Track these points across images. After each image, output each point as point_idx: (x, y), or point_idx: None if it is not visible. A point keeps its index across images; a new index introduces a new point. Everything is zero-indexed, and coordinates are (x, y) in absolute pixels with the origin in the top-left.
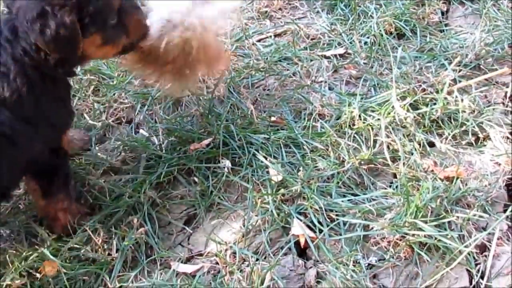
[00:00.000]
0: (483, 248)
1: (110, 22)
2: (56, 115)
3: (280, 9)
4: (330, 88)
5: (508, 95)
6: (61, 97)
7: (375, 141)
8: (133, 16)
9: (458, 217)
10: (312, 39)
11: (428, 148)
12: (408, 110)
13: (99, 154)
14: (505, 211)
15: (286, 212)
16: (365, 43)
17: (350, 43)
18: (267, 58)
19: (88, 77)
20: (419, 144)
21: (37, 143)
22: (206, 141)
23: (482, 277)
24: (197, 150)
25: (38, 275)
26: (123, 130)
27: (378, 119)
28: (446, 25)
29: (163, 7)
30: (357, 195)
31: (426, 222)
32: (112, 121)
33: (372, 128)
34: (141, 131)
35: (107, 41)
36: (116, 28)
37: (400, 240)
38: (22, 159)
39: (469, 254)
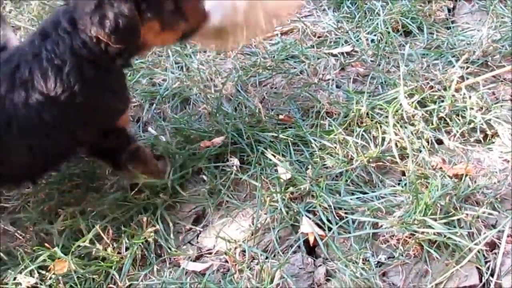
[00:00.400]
0: (492, 246)
1: (167, 8)
2: (108, 106)
3: None
4: (337, 86)
5: None
6: (114, 89)
7: (383, 139)
8: (190, 1)
9: (467, 214)
10: (319, 37)
11: (436, 146)
12: (416, 108)
13: None
14: None
15: (295, 210)
16: (372, 40)
17: (357, 40)
18: (274, 57)
19: None
20: (427, 142)
21: (86, 132)
22: (218, 139)
23: (492, 275)
24: (206, 149)
25: (48, 273)
26: (132, 128)
27: (386, 116)
28: (453, 22)
29: None
30: (365, 193)
31: (435, 220)
32: None
33: (380, 126)
34: (149, 129)
35: (166, 27)
36: (174, 14)
37: (410, 237)
38: (64, 148)
39: (479, 252)
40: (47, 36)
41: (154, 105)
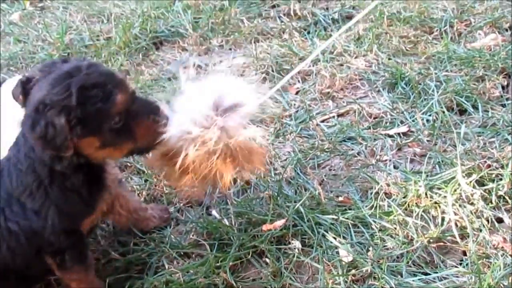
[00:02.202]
0: None
1: (107, 127)
2: (69, 206)
3: (341, 89)
4: (395, 167)
5: None
6: (74, 189)
7: (442, 219)
8: (142, 122)
9: None
10: (374, 118)
11: (496, 224)
12: (474, 187)
13: (172, 237)
14: None
15: None
16: (427, 120)
17: (413, 121)
18: (331, 139)
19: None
20: (487, 221)
21: (47, 230)
22: (279, 223)
23: None
24: (268, 232)
25: None
26: (195, 212)
27: (445, 196)
28: (507, 99)
29: (183, 114)
30: (427, 274)
31: None
32: (183, 205)
33: (439, 206)
34: (213, 212)
35: (106, 144)
36: (118, 132)
37: None
38: (31, 247)
39: None
40: (16, 143)
41: (217, 189)
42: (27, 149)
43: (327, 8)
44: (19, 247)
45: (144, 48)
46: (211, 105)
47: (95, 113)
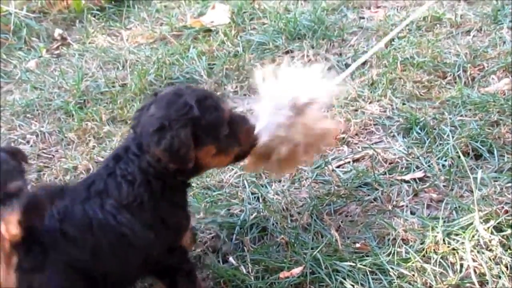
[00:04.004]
0: None
1: (223, 133)
2: (173, 220)
3: (356, 134)
4: (412, 213)
5: None
6: (179, 203)
7: (461, 265)
8: (243, 126)
9: None
10: (390, 163)
11: None
12: (492, 233)
13: None
14: None
15: None
16: (443, 165)
17: (429, 166)
18: (347, 184)
19: None
20: (506, 267)
21: (155, 245)
22: (296, 270)
23: None
24: (285, 279)
25: None
26: (212, 259)
27: (463, 242)
28: None
29: (266, 118)
30: None
31: None
32: (201, 250)
33: (457, 252)
34: (230, 259)
35: (221, 150)
36: (228, 138)
37: None
38: (138, 260)
39: None
40: (120, 158)
41: (234, 235)
42: (144, 165)
43: (340, 54)
44: (127, 253)
45: None
46: (289, 106)
47: (213, 121)
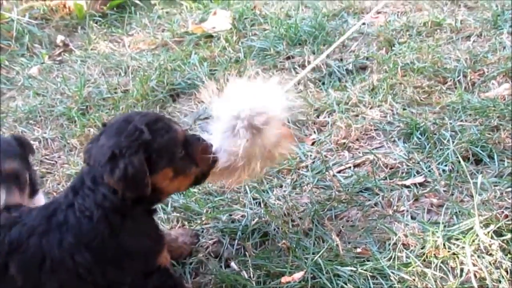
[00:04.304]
0: None
1: (178, 155)
2: (139, 249)
3: (357, 139)
4: (412, 217)
5: None
6: (145, 232)
7: (461, 270)
8: (198, 146)
9: None
10: (390, 168)
11: None
12: (492, 237)
13: None
14: None
15: None
16: (444, 170)
17: (429, 171)
18: (348, 189)
19: (175, 214)
20: (506, 272)
21: (125, 277)
22: (298, 274)
23: None
24: (287, 284)
25: None
26: (214, 264)
27: (463, 247)
28: None
29: (222, 140)
30: None
31: None
32: (203, 255)
33: (458, 257)
34: (232, 264)
35: (179, 173)
36: (184, 159)
37: None
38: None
39: None
40: (76, 191)
41: (236, 241)
42: (99, 199)
43: (341, 59)
44: None
45: (161, 101)
46: (246, 126)
47: (166, 143)
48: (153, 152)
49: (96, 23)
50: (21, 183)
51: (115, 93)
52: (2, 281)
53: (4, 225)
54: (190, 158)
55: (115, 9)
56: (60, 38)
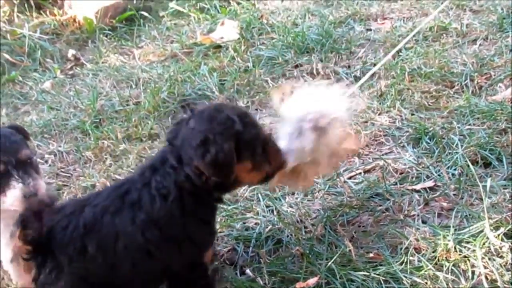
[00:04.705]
0: None
1: (258, 151)
2: (199, 236)
3: (367, 145)
4: (423, 222)
5: None
6: (208, 220)
7: (473, 272)
8: (274, 147)
9: None
10: (400, 174)
11: None
12: (502, 240)
13: None
14: None
15: None
16: (453, 174)
17: (438, 175)
18: (359, 195)
19: None
20: None
21: (178, 260)
22: (312, 280)
23: None
24: None
25: None
26: (229, 272)
27: (474, 250)
28: None
29: (289, 141)
30: None
31: None
32: (218, 263)
33: (469, 260)
34: (247, 271)
35: (255, 167)
36: (262, 156)
37: None
38: (158, 273)
39: None
40: (156, 170)
41: (250, 248)
42: (181, 179)
43: (348, 66)
44: (148, 267)
45: (173, 112)
46: (311, 128)
47: (253, 137)
48: (242, 142)
49: (106, 36)
50: (36, 166)
51: (127, 105)
52: (85, 261)
53: (74, 211)
54: (266, 156)
55: (124, 22)
56: (71, 52)
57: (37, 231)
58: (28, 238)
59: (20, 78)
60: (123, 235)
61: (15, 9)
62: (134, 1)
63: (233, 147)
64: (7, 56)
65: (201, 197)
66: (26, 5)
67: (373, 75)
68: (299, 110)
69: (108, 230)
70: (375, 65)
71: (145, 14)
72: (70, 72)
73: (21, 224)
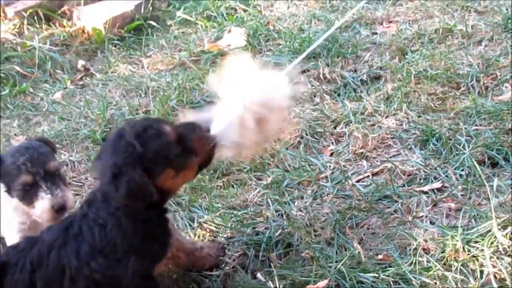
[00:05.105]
0: None
1: (172, 154)
2: (148, 251)
3: (374, 148)
4: (431, 222)
5: None
6: (153, 234)
7: (481, 272)
8: (194, 137)
9: None
10: (408, 175)
11: None
12: (510, 239)
13: None
14: None
15: None
16: (460, 175)
17: (446, 176)
18: (367, 198)
19: (200, 231)
20: None
21: (127, 276)
22: (322, 283)
23: None
24: None
25: None
26: (241, 276)
27: (482, 249)
28: None
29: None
30: None
31: None
32: (231, 268)
33: (477, 259)
34: (258, 275)
35: (180, 169)
36: (182, 155)
37: None
38: None
39: None
40: (90, 204)
41: (261, 252)
42: (112, 209)
43: (355, 70)
44: None
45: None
46: (251, 111)
47: (159, 149)
48: (149, 161)
49: (115, 46)
50: (63, 178)
51: (137, 114)
52: None
53: (23, 248)
54: (188, 151)
55: (132, 32)
56: (81, 63)
57: None
58: None
59: (31, 90)
60: (69, 268)
61: (25, 22)
62: (142, 11)
63: (141, 171)
64: (18, 68)
65: (140, 217)
66: (35, 17)
67: (379, 78)
68: (239, 95)
69: (54, 265)
70: (381, 68)
71: (153, 23)
72: (80, 83)
73: None
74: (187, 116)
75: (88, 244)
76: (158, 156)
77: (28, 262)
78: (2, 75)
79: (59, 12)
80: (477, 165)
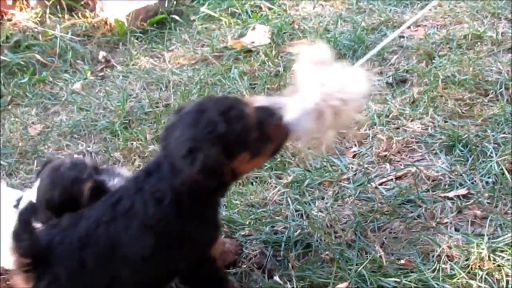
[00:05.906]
0: None
1: (252, 138)
2: (201, 235)
3: (398, 152)
4: (456, 229)
5: None
6: (208, 218)
7: (507, 282)
8: (271, 124)
9: None
10: (433, 181)
11: None
12: None
13: None
14: None
15: None
16: (487, 182)
17: (472, 183)
18: (390, 202)
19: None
20: None
21: (181, 262)
22: (341, 286)
23: None
24: None
25: None
26: (257, 275)
27: (508, 259)
28: None
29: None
30: None
31: None
32: (247, 267)
33: (503, 268)
34: (275, 277)
35: (255, 154)
36: (259, 140)
37: None
38: (161, 276)
39: None
40: (150, 174)
41: (280, 252)
42: (177, 184)
43: (381, 73)
44: (149, 273)
45: None
46: (330, 104)
47: (240, 131)
48: (229, 141)
49: (137, 39)
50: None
51: (157, 107)
52: (84, 274)
53: (67, 225)
54: (264, 137)
55: (155, 25)
56: (102, 54)
57: (28, 245)
58: (20, 252)
59: (51, 79)
60: (119, 246)
61: (47, 11)
62: (166, 5)
63: (220, 150)
64: (38, 56)
65: (200, 198)
66: (58, 7)
67: (405, 81)
68: (318, 86)
69: (103, 242)
70: (407, 71)
71: (176, 18)
72: (101, 74)
73: (13, 238)
74: (259, 100)
75: (140, 220)
76: (239, 138)
77: (75, 239)
78: (22, 63)
79: (82, 2)
80: (506, 172)
